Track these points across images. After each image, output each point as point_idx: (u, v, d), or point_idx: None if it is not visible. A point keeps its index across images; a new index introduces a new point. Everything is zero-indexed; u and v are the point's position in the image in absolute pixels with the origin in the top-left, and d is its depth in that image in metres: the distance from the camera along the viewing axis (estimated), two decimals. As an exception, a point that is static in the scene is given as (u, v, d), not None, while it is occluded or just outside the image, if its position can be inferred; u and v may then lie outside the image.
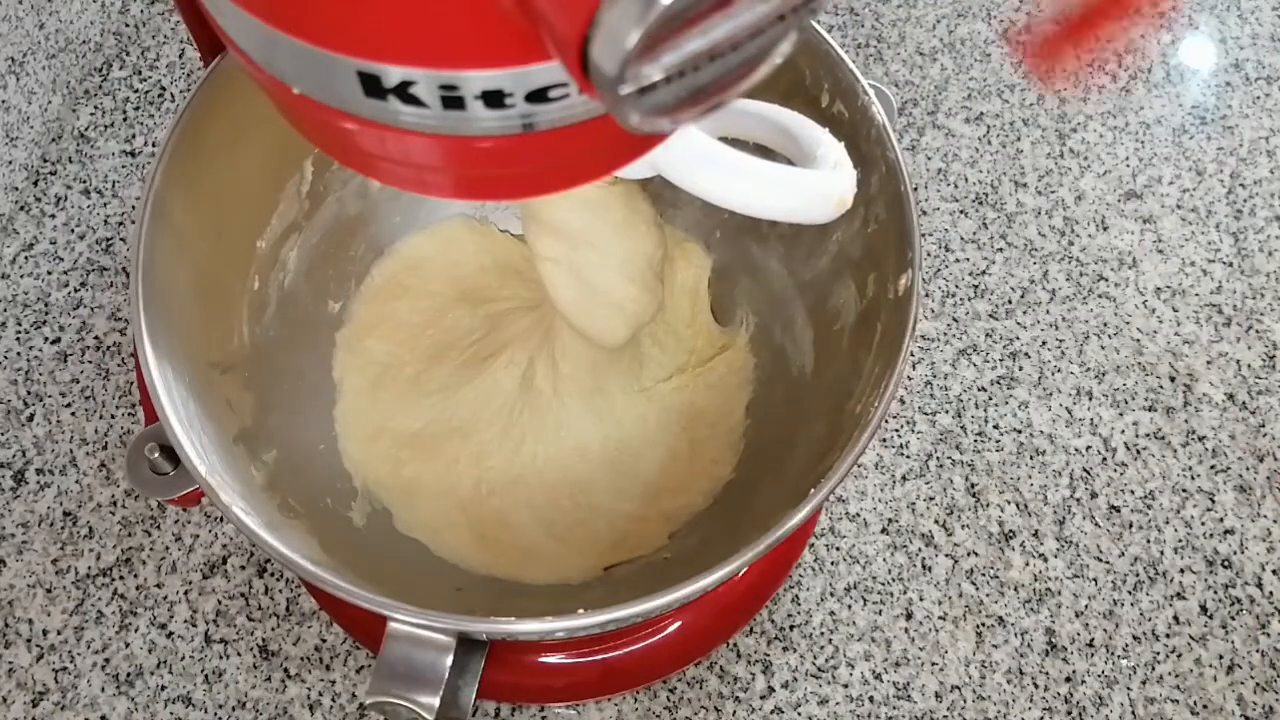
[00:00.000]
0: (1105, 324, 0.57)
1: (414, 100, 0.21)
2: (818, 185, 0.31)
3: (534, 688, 0.47)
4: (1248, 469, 0.53)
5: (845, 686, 0.48)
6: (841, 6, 0.67)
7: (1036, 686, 0.48)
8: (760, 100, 0.36)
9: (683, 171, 0.31)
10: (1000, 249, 0.59)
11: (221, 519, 0.51)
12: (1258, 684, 0.49)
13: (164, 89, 0.63)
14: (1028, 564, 0.51)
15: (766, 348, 0.50)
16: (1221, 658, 0.49)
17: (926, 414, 0.54)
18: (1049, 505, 0.52)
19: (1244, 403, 0.55)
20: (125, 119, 0.62)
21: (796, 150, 0.33)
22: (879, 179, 0.40)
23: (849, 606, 0.50)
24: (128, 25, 0.65)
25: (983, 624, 0.50)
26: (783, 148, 0.34)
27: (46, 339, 0.55)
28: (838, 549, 0.51)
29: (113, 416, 0.53)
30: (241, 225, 0.45)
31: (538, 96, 0.21)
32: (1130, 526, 0.52)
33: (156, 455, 0.36)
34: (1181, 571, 0.51)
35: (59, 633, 0.49)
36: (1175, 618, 0.50)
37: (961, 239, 0.59)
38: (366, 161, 0.26)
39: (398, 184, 0.27)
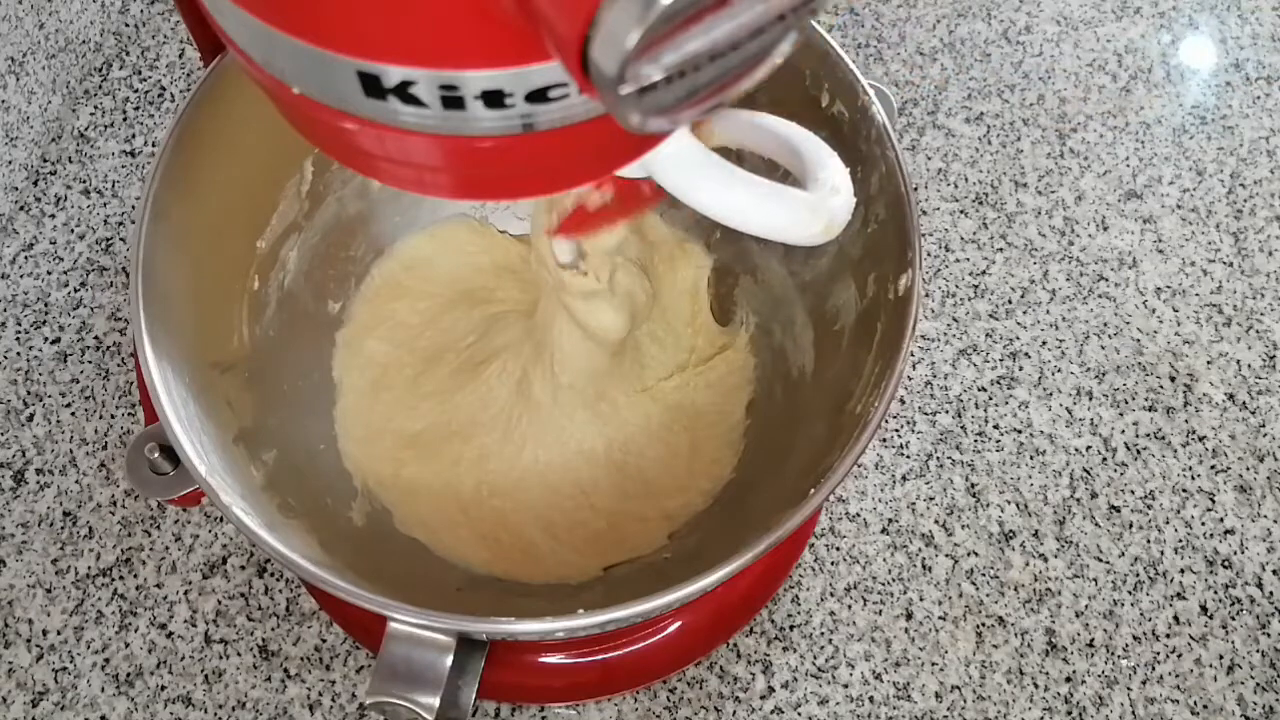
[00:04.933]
0: (1105, 324, 0.57)
1: (414, 100, 0.21)
2: (807, 207, 0.31)
3: (534, 688, 0.47)
4: (1248, 469, 0.53)
5: (845, 686, 0.48)
6: (841, 6, 0.67)
7: (1036, 687, 0.48)
8: (762, 105, 0.36)
9: (674, 177, 0.31)
10: (1000, 249, 0.59)
11: (221, 519, 0.51)
12: (1258, 684, 0.48)
13: (164, 89, 0.63)
14: (1028, 564, 0.51)
15: (766, 348, 0.50)
16: (1222, 658, 0.49)
17: (926, 414, 0.54)
18: (1049, 505, 0.52)
19: (1244, 403, 0.55)
20: (125, 119, 0.62)
21: (800, 168, 0.33)
22: (879, 179, 0.40)
23: (849, 606, 0.50)
24: (128, 25, 0.65)
25: (983, 624, 0.50)
26: (788, 164, 0.34)
27: (46, 339, 0.55)
28: (838, 549, 0.51)
29: (113, 416, 0.53)
30: (241, 225, 0.45)
31: (538, 96, 0.21)
32: (1130, 526, 0.52)
33: (156, 455, 0.37)
34: (1182, 571, 0.51)
35: (59, 633, 0.49)
36: (1175, 618, 0.50)
37: (961, 239, 0.59)
38: (366, 161, 0.26)
39: (398, 184, 0.27)
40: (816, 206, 0.31)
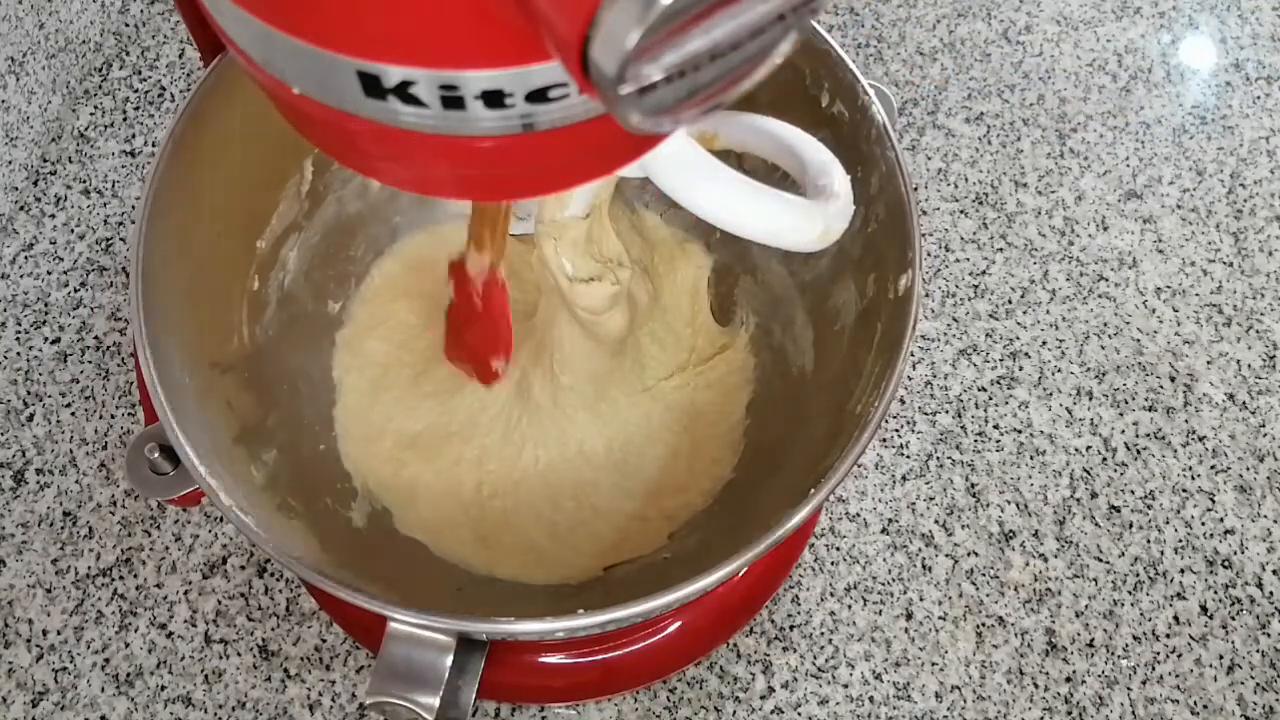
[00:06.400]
0: (1105, 324, 0.57)
1: (414, 100, 0.21)
2: (805, 213, 0.31)
3: (534, 688, 0.47)
4: (1248, 469, 0.53)
5: (845, 687, 0.48)
6: (841, 6, 0.67)
7: (1037, 687, 0.48)
8: (762, 105, 0.36)
9: (672, 180, 0.31)
10: (1000, 249, 0.59)
11: (221, 519, 0.51)
12: (1258, 684, 0.48)
13: (164, 89, 0.63)
14: (1028, 564, 0.51)
15: (766, 347, 0.50)
16: (1222, 658, 0.49)
17: (926, 414, 0.54)
18: (1049, 505, 0.52)
19: (1244, 403, 0.55)
20: (125, 119, 0.62)
21: (801, 174, 0.33)
22: (879, 179, 0.40)
23: (849, 606, 0.50)
24: (128, 25, 0.65)
25: (983, 624, 0.50)
26: (790, 168, 0.34)
27: (46, 339, 0.55)
28: (838, 549, 0.51)
29: (113, 416, 0.53)
30: (241, 225, 0.45)
31: (538, 96, 0.21)
32: (1130, 526, 0.52)
33: (156, 455, 0.36)
34: (1182, 572, 0.51)
35: (59, 633, 0.49)
36: (1175, 618, 0.50)
37: (961, 239, 0.59)
38: (366, 162, 0.26)
39: (398, 184, 0.27)
40: (815, 213, 0.31)
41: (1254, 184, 0.61)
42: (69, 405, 0.54)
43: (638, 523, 0.47)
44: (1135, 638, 0.49)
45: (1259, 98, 0.64)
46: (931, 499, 0.52)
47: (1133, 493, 0.53)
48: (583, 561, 0.46)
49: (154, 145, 0.61)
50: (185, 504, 0.38)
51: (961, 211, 0.60)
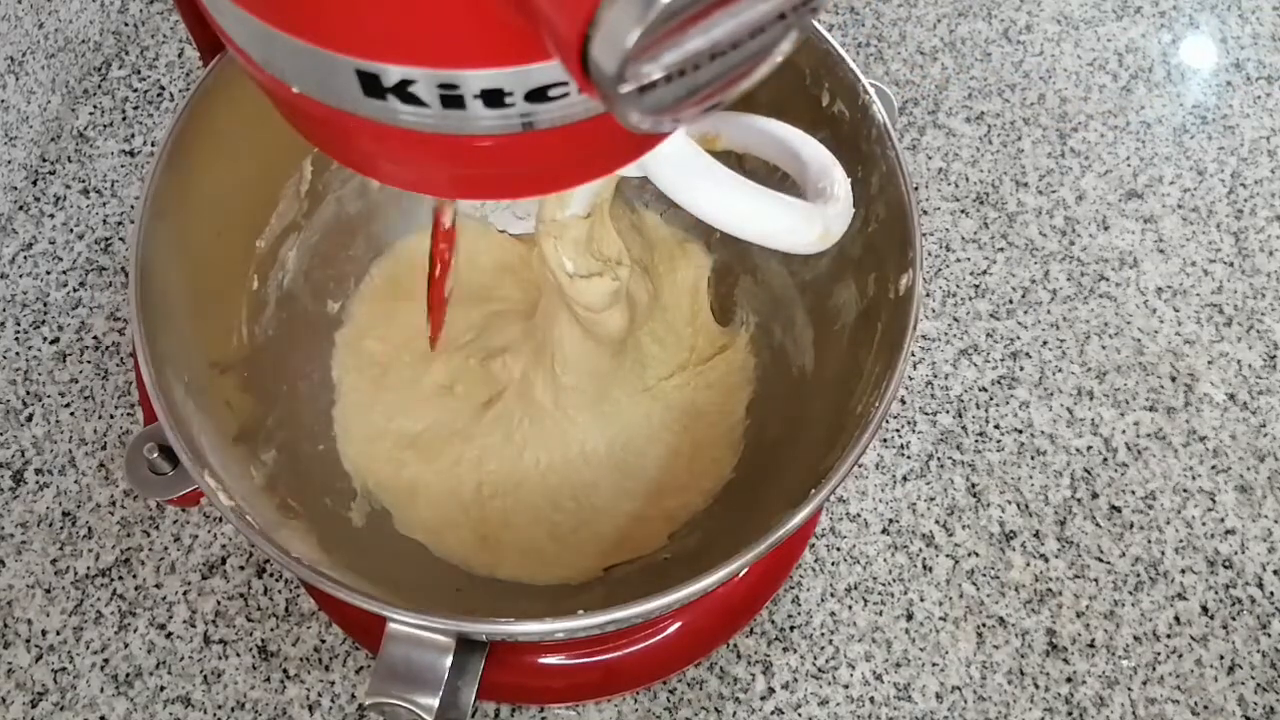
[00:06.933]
0: (1106, 324, 0.57)
1: (413, 99, 0.21)
2: (804, 215, 0.31)
3: (534, 689, 0.47)
4: (1249, 469, 0.53)
5: (846, 687, 0.48)
6: (841, 6, 0.67)
7: (1037, 687, 0.48)
8: (762, 105, 0.36)
9: (671, 180, 0.31)
10: (1001, 249, 0.59)
11: (220, 519, 0.51)
12: (1259, 684, 0.48)
13: (163, 89, 0.63)
14: (1028, 564, 0.51)
15: (767, 347, 0.50)
16: (1222, 658, 0.49)
17: (927, 414, 0.54)
18: (1050, 505, 0.52)
19: (1245, 403, 0.55)
20: (124, 118, 0.62)
21: (802, 175, 0.33)
22: (879, 179, 0.40)
23: (849, 607, 0.50)
24: (127, 25, 0.65)
25: (983, 624, 0.49)
26: (791, 170, 0.34)
27: (45, 339, 0.55)
28: (838, 549, 0.51)
29: (112, 416, 0.53)
30: (241, 225, 0.45)
31: (537, 95, 0.21)
32: (1131, 527, 0.52)
33: (155, 455, 0.36)
34: (1182, 572, 0.51)
35: (58, 633, 0.49)
36: (1176, 618, 0.50)
37: (962, 239, 0.59)
38: (366, 161, 0.26)
39: (397, 184, 0.27)
40: (814, 215, 0.31)
41: (1254, 184, 0.61)
42: (68, 405, 0.53)
43: (638, 523, 0.47)
44: (1136, 638, 0.49)
45: (1259, 97, 0.64)
46: (932, 499, 0.52)
47: (1133, 493, 0.52)
48: (583, 562, 0.46)
49: (153, 145, 0.61)
50: (184, 504, 0.38)
51: (962, 211, 0.60)
